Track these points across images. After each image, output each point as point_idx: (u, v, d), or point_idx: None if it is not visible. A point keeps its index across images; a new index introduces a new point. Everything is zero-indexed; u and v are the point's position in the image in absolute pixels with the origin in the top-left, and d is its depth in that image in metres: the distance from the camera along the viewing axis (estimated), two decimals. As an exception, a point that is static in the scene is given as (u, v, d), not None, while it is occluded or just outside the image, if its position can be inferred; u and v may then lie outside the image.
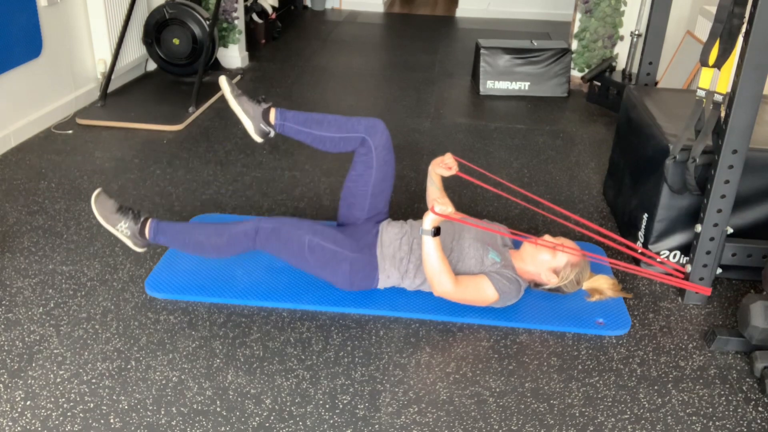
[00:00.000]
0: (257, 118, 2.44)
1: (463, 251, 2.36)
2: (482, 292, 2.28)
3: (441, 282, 2.25)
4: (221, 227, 2.41)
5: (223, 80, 2.45)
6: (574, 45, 5.05)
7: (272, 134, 2.47)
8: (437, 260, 2.23)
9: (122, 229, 2.42)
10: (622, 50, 4.98)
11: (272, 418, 1.92)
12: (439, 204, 2.19)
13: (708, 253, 2.44)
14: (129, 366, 2.09)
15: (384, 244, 2.40)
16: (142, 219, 2.44)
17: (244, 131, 3.99)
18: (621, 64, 4.96)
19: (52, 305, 2.36)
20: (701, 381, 2.15)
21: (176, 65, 4.68)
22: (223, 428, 1.88)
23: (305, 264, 2.37)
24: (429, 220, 2.21)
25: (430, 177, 2.61)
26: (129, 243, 2.45)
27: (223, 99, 4.51)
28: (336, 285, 2.41)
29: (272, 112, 2.46)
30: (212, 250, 2.41)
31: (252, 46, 5.73)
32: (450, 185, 2.77)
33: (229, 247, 2.39)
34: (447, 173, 2.53)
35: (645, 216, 2.69)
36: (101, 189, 2.47)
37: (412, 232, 2.43)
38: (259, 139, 2.47)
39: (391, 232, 2.43)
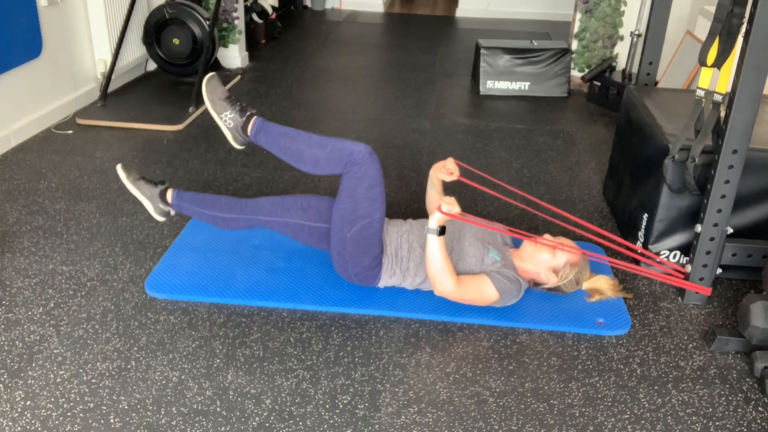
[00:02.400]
0: (156, 199, 2.52)
1: (463, 250, 2.37)
2: (483, 291, 2.28)
3: (443, 281, 2.25)
4: (325, 140, 2.32)
5: (119, 168, 2.52)
6: (574, 45, 5.05)
7: (172, 213, 2.55)
8: (440, 259, 2.23)
9: (226, 119, 2.36)
10: (622, 50, 4.98)
11: (272, 418, 1.92)
12: (446, 203, 2.19)
13: (708, 253, 2.44)
14: (129, 366, 2.09)
15: (385, 243, 2.40)
16: (248, 113, 2.38)
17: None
18: (621, 64, 4.97)
19: (52, 305, 2.36)
20: (701, 381, 2.15)
21: (176, 65, 4.68)
22: (223, 428, 1.88)
23: (346, 227, 2.30)
24: (435, 219, 2.21)
25: (431, 181, 2.60)
26: (228, 136, 2.39)
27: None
28: (338, 267, 2.40)
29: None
30: (310, 163, 2.32)
31: (252, 46, 5.73)
32: (449, 185, 2.77)
33: (327, 163, 2.29)
34: (449, 178, 2.52)
35: (645, 216, 2.69)
36: (216, 73, 2.42)
37: (412, 231, 2.43)
38: (159, 218, 2.56)
39: (392, 231, 2.43)
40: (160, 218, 2.55)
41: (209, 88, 2.38)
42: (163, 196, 2.50)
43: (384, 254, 2.39)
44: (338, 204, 2.32)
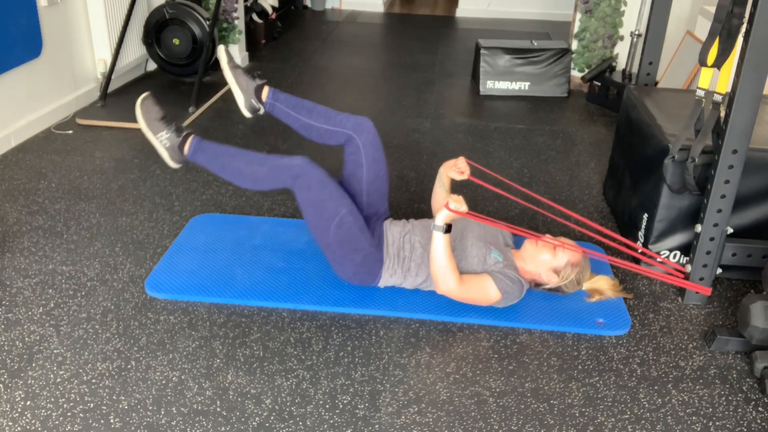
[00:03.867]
0: (249, 92, 2.45)
1: (465, 250, 2.36)
2: (485, 291, 2.28)
3: (445, 280, 2.25)
4: (264, 157, 2.36)
5: (221, 50, 2.45)
6: (574, 45, 5.05)
7: (261, 111, 2.49)
8: (444, 257, 2.23)
9: (162, 139, 2.38)
10: (622, 50, 4.98)
11: (272, 418, 1.92)
12: (453, 201, 2.19)
13: (708, 253, 2.44)
14: (129, 366, 2.09)
15: (388, 243, 2.40)
16: (184, 133, 2.40)
17: (245, 131, 4.00)
18: (621, 64, 4.97)
19: (52, 305, 2.36)
20: (701, 381, 2.15)
21: (176, 65, 4.68)
22: (223, 428, 1.88)
23: (323, 234, 2.33)
24: (442, 216, 2.21)
25: (439, 178, 2.59)
26: (165, 156, 2.41)
27: (223, 99, 4.51)
28: (337, 271, 2.40)
29: (265, 90, 2.47)
30: (249, 179, 2.36)
31: (252, 46, 5.73)
32: (453, 183, 2.76)
33: (268, 179, 2.33)
34: (459, 177, 2.51)
35: (645, 216, 2.69)
36: (150, 93, 2.44)
37: (414, 231, 2.43)
38: (248, 114, 2.49)
39: (394, 231, 2.43)
40: (248, 114, 2.48)
41: (144, 108, 2.41)
42: (258, 91, 2.47)
43: (386, 254, 2.39)
44: (305, 218, 2.36)
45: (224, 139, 3.87)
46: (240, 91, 2.44)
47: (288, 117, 2.48)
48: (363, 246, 2.34)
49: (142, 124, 2.39)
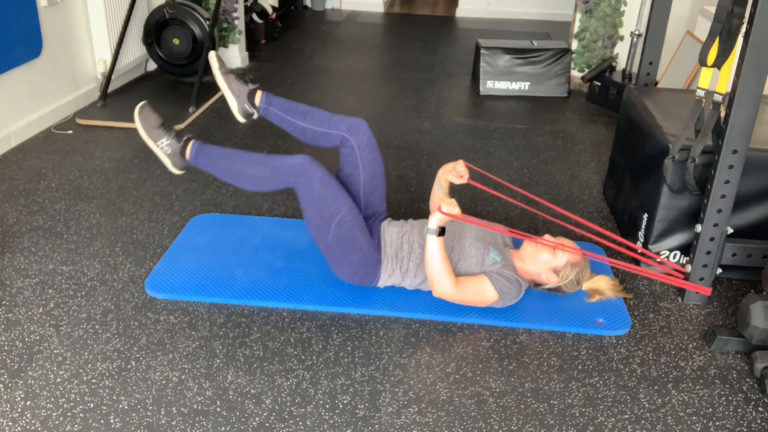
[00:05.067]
0: (242, 97, 2.44)
1: (464, 251, 2.36)
2: (482, 292, 2.28)
3: (441, 282, 2.25)
4: (265, 158, 2.36)
5: (212, 56, 2.45)
6: (574, 45, 5.05)
7: (255, 116, 2.48)
8: (439, 260, 2.23)
9: (163, 146, 2.39)
10: (622, 50, 4.98)
11: (272, 418, 1.92)
12: (446, 204, 2.19)
13: (708, 253, 2.44)
14: (129, 366, 2.09)
15: (386, 243, 2.40)
16: (185, 138, 2.41)
17: (245, 131, 4.00)
18: (621, 64, 4.97)
19: (52, 305, 2.36)
20: (701, 381, 2.15)
21: (176, 65, 4.68)
22: (223, 428, 1.88)
23: (323, 232, 2.33)
24: (435, 220, 2.21)
25: (438, 181, 2.59)
26: (167, 162, 2.42)
27: (223, 99, 4.51)
28: (335, 270, 2.40)
29: (258, 95, 2.46)
30: (252, 181, 2.36)
31: (252, 46, 5.73)
32: (456, 186, 2.76)
33: (270, 179, 2.33)
34: (458, 181, 2.50)
35: (645, 216, 2.69)
36: (146, 102, 2.43)
37: (413, 231, 2.43)
38: (242, 119, 2.49)
39: (392, 232, 2.43)
40: (242, 119, 2.48)
41: (142, 117, 2.40)
42: (251, 96, 2.46)
43: (383, 254, 2.39)
44: (306, 217, 2.35)
45: (224, 139, 3.87)
46: (233, 96, 2.44)
47: (282, 121, 2.48)
48: (362, 246, 2.34)
49: (141, 132, 2.39)
